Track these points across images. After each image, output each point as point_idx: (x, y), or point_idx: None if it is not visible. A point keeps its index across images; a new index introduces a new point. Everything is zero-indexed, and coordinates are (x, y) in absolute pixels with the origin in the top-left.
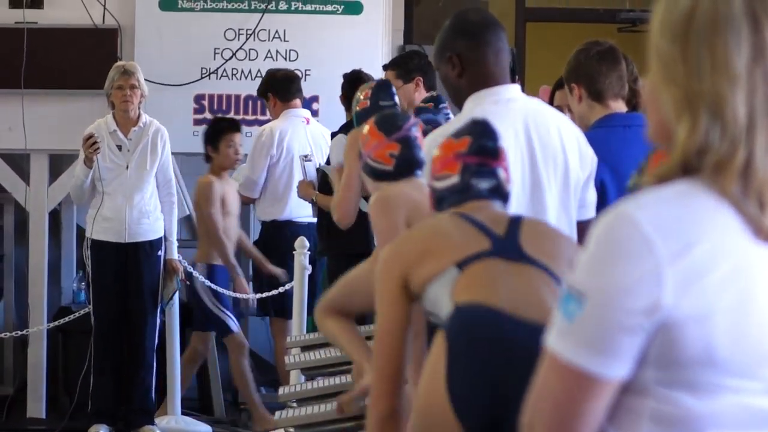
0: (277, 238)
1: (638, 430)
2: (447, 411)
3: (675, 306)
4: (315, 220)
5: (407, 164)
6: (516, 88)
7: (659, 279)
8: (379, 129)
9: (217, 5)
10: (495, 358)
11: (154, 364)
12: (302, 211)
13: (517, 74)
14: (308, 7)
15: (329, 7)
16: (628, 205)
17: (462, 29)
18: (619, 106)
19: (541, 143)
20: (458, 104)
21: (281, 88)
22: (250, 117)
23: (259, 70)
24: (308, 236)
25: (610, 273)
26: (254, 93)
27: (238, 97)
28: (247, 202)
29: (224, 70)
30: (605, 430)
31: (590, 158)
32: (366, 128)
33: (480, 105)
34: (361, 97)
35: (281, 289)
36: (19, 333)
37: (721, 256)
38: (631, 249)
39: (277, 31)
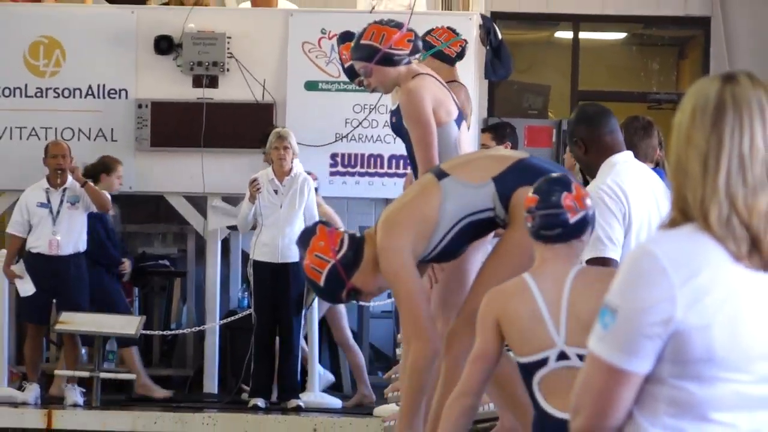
0: None
1: (656, 411)
2: None
3: (684, 319)
4: None
5: (417, 47)
6: (629, 153)
7: (672, 300)
8: (392, 26)
9: (347, 87)
10: None
11: (299, 353)
12: None
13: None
14: None
15: None
16: (649, 242)
17: (582, 119)
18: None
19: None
20: (590, 173)
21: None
22: (371, 170)
23: (378, 135)
24: None
25: (635, 294)
26: (376, 152)
27: (363, 155)
28: None
29: (353, 135)
30: (633, 413)
31: None
32: (377, 32)
33: (612, 168)
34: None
35: None
36: (197, 329)
37: (717, 282)
38: (652, 276)
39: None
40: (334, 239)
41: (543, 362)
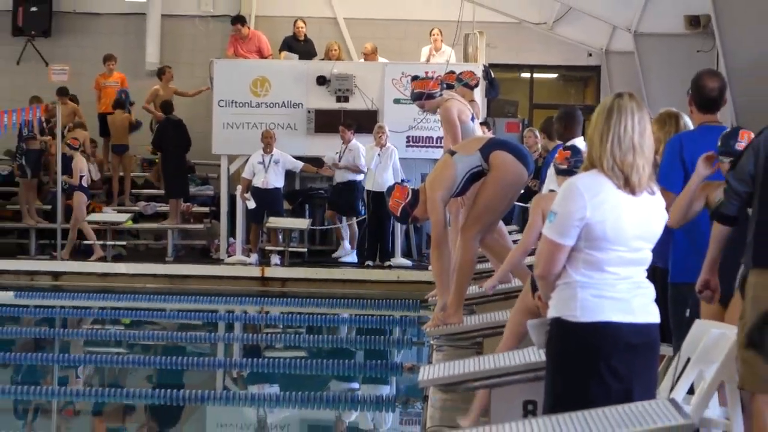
0: None
1: (577, 266)
2: None
3: (591, 217)
4: None
5: (443, 86)
6: (581, 138)
7: (585, 208)
8: (429, 79)
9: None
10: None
11: (390, 236)
12: None
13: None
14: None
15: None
16: (573, 178)
17: (569, 116)
18: None
19: None
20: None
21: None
22: (428, 144)
23: (431, 126)
24: None
25: (566, 204)
26: (430, 135)
27: (423, 136)
28: None
29: (418, 126)
30: (565, 266)
31: None
32: (421, 84)
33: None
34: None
35: None
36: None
37: (608, 199)
38: (574, 196)
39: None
40: (404, 192)
41: None
